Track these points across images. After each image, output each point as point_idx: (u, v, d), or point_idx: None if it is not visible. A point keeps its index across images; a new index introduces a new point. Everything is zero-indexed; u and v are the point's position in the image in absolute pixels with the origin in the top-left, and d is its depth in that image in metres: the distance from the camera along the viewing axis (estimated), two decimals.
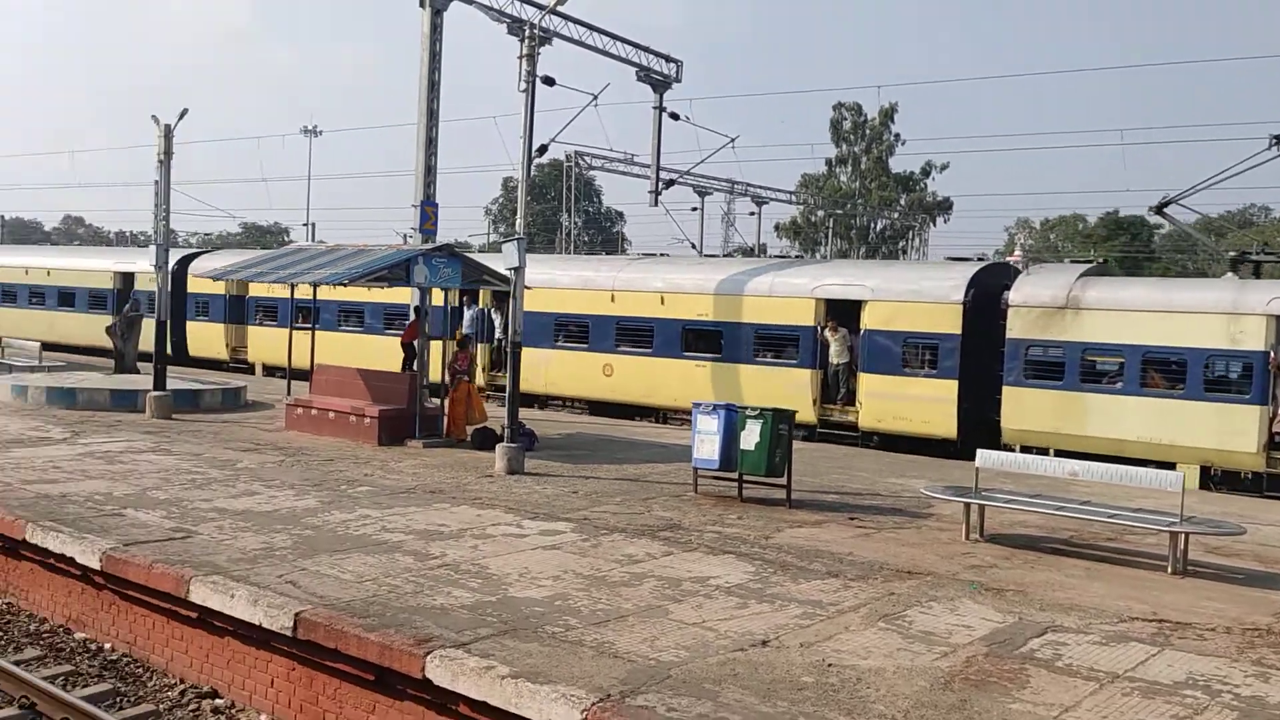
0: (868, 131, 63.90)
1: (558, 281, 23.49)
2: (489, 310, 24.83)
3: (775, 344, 20.79)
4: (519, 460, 14.34)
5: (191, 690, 8.37)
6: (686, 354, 21.63)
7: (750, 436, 12.43)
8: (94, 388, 19.83)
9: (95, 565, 9.16)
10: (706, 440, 12.75)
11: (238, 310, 30.40)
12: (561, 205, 58.74)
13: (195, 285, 30.25)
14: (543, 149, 16.85)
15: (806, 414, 19.43)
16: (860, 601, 8.67)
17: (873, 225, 65.73)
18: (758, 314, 20.95)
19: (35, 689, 7.82)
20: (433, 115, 18.31)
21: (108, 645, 9.26)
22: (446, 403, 17.17)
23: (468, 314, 24.66)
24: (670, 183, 29.18)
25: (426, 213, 18.38)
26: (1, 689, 7.98)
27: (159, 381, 18.82)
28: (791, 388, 19.93)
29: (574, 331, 23.38)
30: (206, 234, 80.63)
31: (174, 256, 28.64)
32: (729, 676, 6.74)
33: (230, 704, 8.16)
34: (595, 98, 21.44)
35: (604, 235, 79.88)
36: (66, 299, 33.98)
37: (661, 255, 28.17)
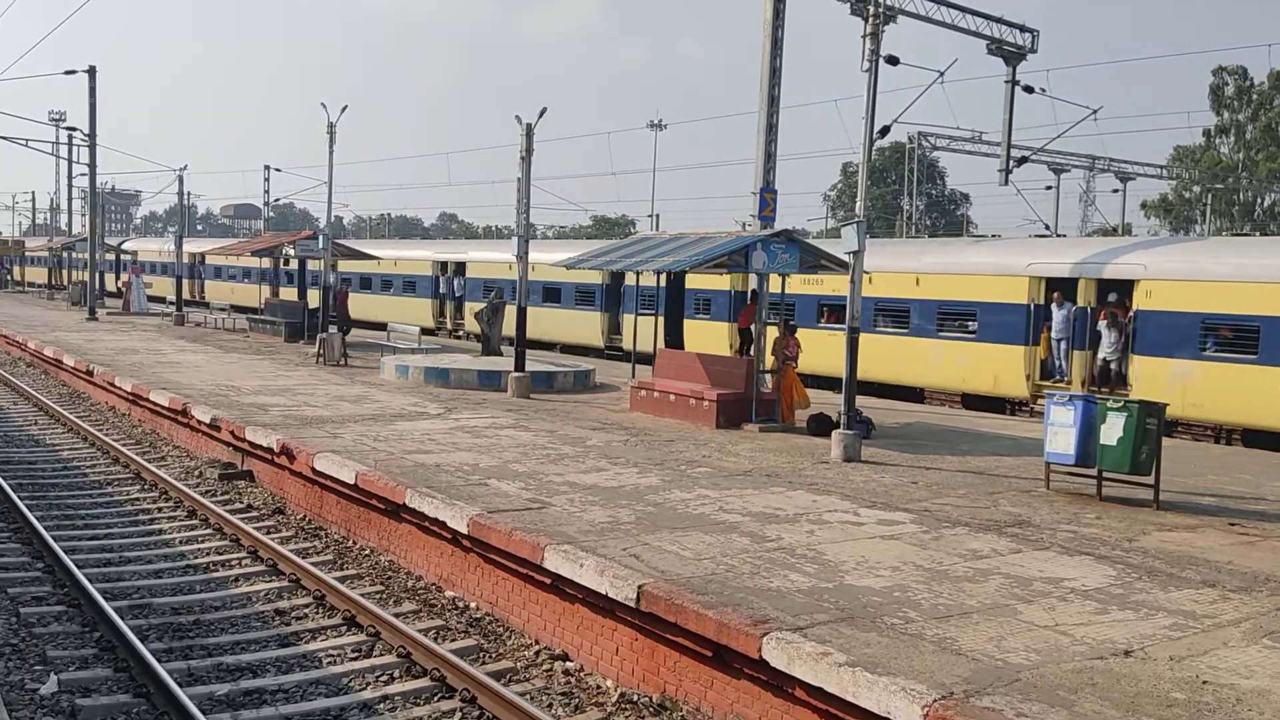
0: (1254, 97, 57.21)
1: (1203, 272, 18.91)
2: (1091, 314, 20.53)
3: None
4: (855, 448, 14.11)
5: (545, 651, 8.91)
6: None
7: (1112, 430, 11.46)
8: (463, 368, 21.67)
9: (463, 530, 9.98)
10: (1061, 433, 11.91)
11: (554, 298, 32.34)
12: (903, 188, 57.18)
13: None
14: (885, 130, 16.36)
15: None
16: (1242, 615, 7.76)
17: (1259, 201, 58.84)
18: None
19: (411, 640, 8.63)
20: (773, 102, 18.36)
21: (473, 604, 10.05)
22: (776, 388, 17.25)
23: (1058, 314, 20.74)
24: (1022, 160, 27.52)
25: (765, 199, 18.48)
26: (384, 638, 8.89)
27: (519, 363, 20.25)
28: None
29: (1229, 337, 18.46)
30: (561, 227, 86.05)
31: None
32: (1086, 685, 6.24)
33: (579, 667, 8.60)
34: (941, 74, 20.51)
35: (947, 219, 77.03)
36: (552, 295, 32.80)
37: None
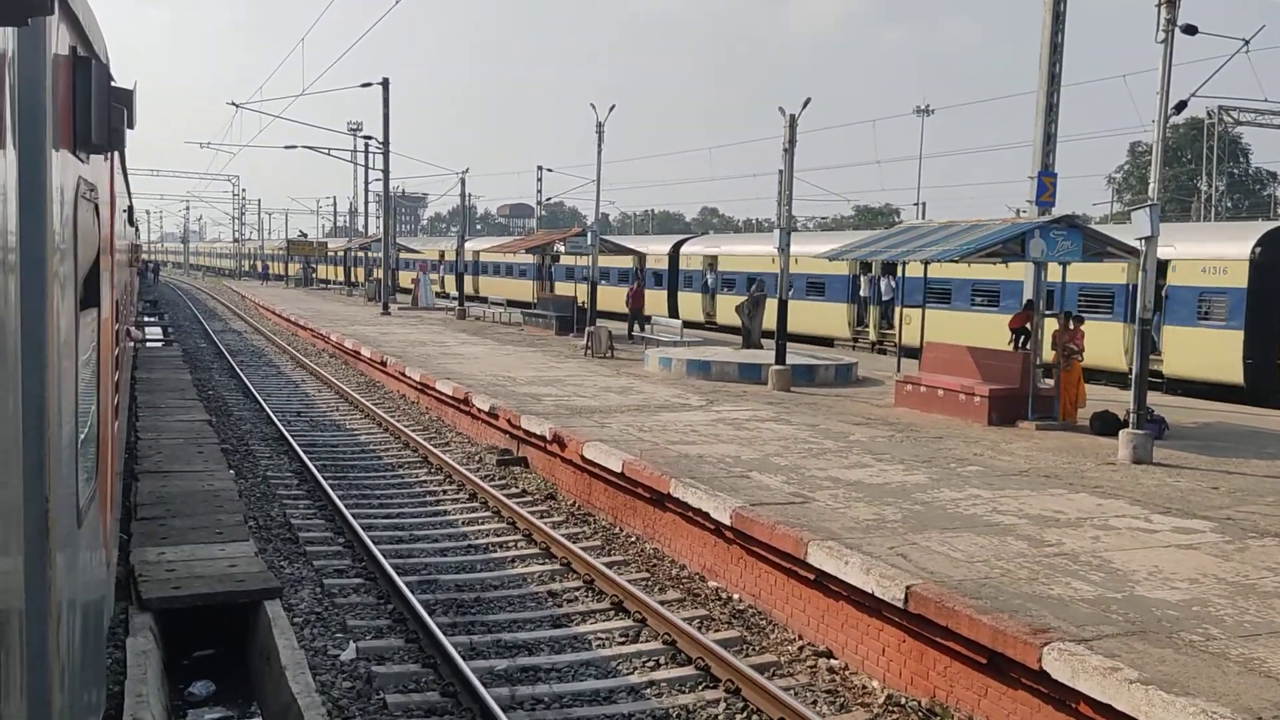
0: None
1: None
2: None
3: None
4: (1146, 449, 13.09)
5: (809, 647, 8.81)
6: None
7: None
8: (724, 361, 21.83)
9: (726, 521, 10.04)
10: None
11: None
12: (1200, 168, 52.60)
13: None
14: (1181, 105, 15.07)
15: None
16: None
17: None
18: None
19: (676, 628, 8.76)
20: (1054, 80, 17.37)
21: (735, 595, 10.09)
22: (1059, 384, 16.24)
23: None
24: None
25: (1044, 184, 17.53)
26: (650, 625, 9.08)
27: (780, 356, 20.16)
28: None
29: None
30: (822, 218, 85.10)
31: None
32: None
33: (844, 665, 8.45)
34: (1246, 43, 18.72)
35: (1251, 200, 70.20)
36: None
37: None
